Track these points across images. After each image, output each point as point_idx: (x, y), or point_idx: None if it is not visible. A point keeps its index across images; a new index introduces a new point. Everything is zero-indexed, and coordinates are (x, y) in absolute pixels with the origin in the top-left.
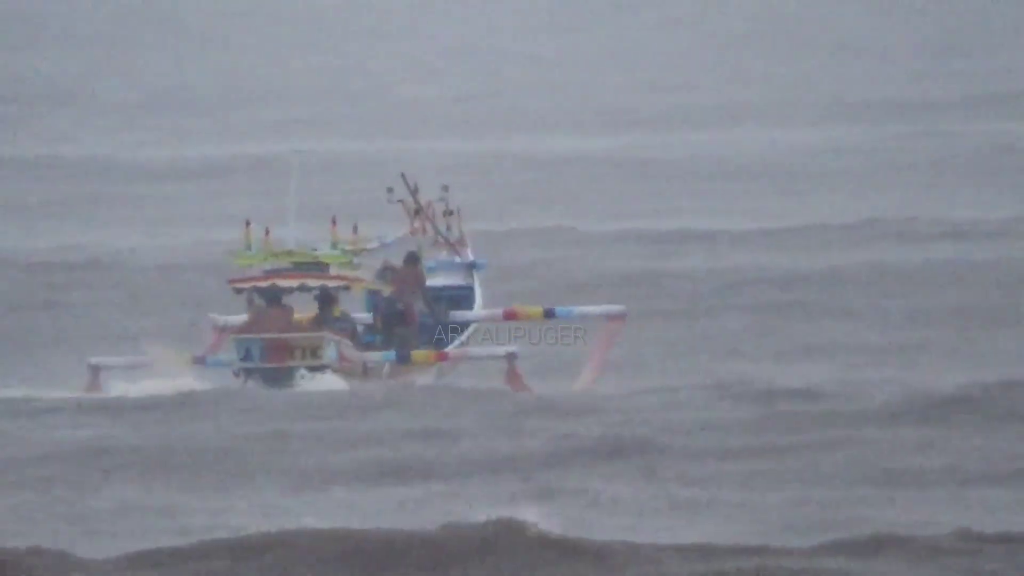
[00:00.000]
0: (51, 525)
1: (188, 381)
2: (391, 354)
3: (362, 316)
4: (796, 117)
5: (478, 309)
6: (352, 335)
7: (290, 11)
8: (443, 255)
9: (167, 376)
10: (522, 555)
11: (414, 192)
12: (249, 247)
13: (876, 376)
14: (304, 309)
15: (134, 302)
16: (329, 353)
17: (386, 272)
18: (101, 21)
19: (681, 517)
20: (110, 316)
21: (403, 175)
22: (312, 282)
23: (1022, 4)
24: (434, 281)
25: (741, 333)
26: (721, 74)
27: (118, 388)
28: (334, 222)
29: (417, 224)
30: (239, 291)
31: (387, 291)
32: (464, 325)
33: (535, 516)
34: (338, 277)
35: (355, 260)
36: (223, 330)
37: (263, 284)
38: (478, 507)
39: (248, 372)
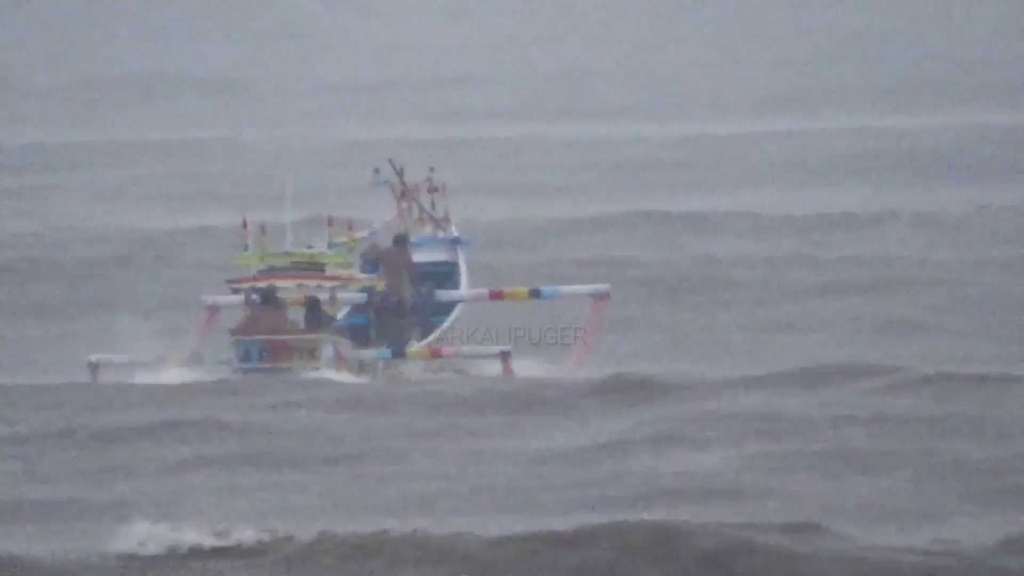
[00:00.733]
0: None
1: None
2: (387, 352)
3: (350, 296)
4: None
5: (464, 287)
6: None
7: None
8: (427, 231)
9: (166, 373)
10: None
11: (400, 173)
12: (246, 247)
13: None
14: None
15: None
16: (326, 353)
17: (372, 253)
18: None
19: None
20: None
21: (391, 159)
22: (309, 282)
23: None
24: (418, 257)
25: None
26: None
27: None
28: (330, 221)
29: (404, 205)
30: (236, 291)
31: (380, 286)
32: (450, 305)
33: None
34: (335, 277)
35: (351, 254)
36: (215, 309)
37: (261, 284)
38: None
39: (246, 372)
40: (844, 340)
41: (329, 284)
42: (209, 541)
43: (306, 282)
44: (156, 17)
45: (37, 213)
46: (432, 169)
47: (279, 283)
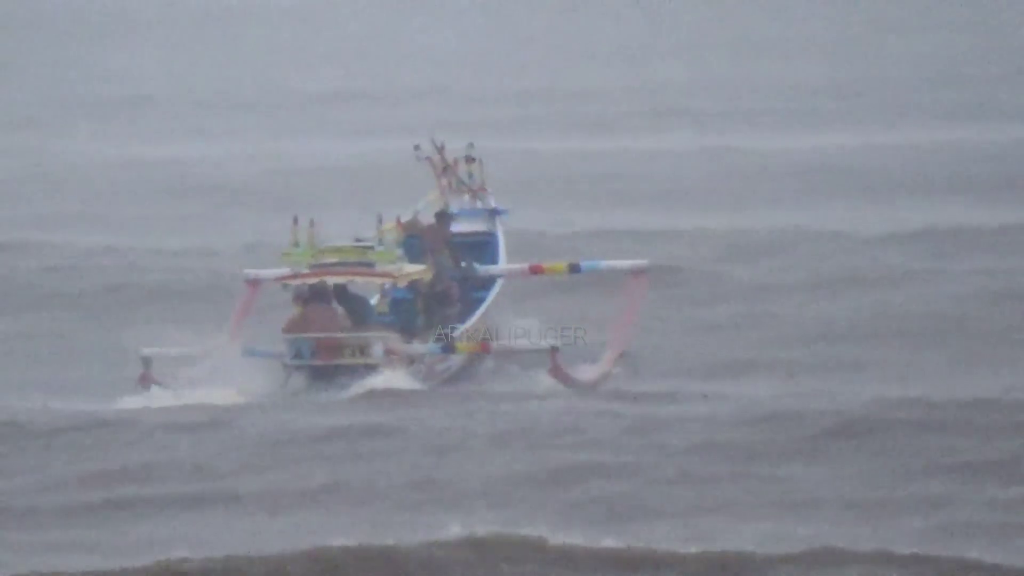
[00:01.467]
0: None
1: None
2: (436, 346)
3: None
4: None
5: (502, 258)
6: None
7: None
8: (464, 202)
9: (217, 366)
10: None
11: (441, 150)
12: (297, 244)
13: None
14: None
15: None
16: (376, 349)
17: (414, 228)
18: None
19: None
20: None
21: (432, 137)
22: (360, 278)
23: None
24: (456, 228)
25: None
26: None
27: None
28: (380, 219)
29: (444, 182)
30: (287, 288)
31: (427, 277)
32: (490, 281)
33: None
34: (385, 273)
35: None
36: (256, 283)
37: (312, 280)
38: None
39: (298, 369)
40: None
41: (380, 280)
42: None
43: (357, 278)
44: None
45: None
46: (471, 145)
47: (330, 279)
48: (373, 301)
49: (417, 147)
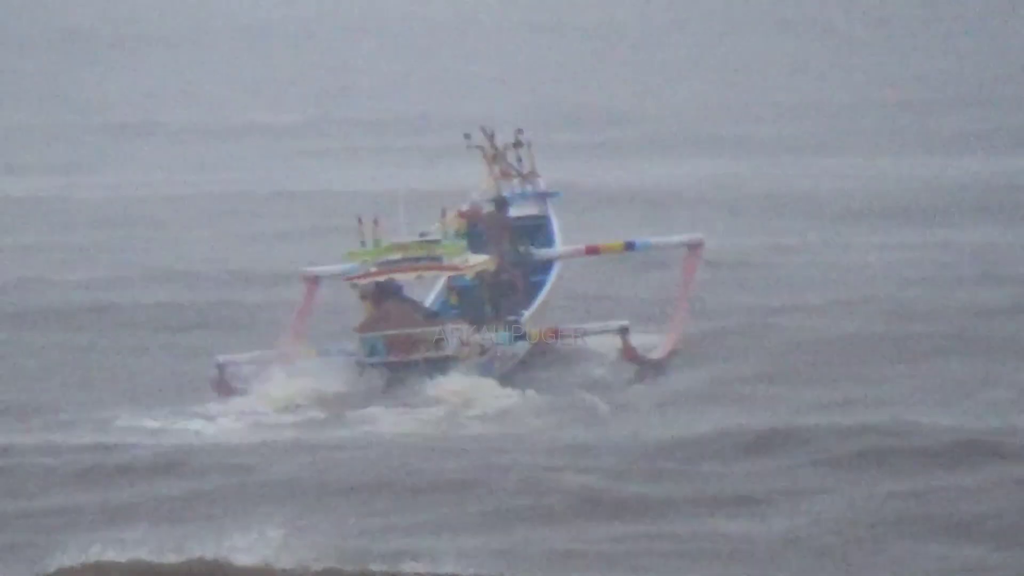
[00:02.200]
0: None
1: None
2: (507, 335)
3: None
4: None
5: (558, 242)
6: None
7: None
8: (515, 187)
9: (292, 369)
10: None
11: (491, 137)
12: (363, 243)
13: None
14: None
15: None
16: (450, 342)
17: (473, 216)
18: None
19: None
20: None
21: (482, 126)
22: (427, 273)
23: None
24: (510, 212)
25: None
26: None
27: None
28: (443, 213)
29: (496, 169)
30: (355, 287)
31: (492, 267)
32: (549, 264)
33: None
34: (451, 267)
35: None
36: (315, 280)
37: (380, 279)
38: None
39: (373, 367)
40: None
41: (447, 273)
42: None
43: (425, 273)
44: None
45: None
46: (520, 131)
47: (398, 276)
48: (428, 301)
49: (467, 136)
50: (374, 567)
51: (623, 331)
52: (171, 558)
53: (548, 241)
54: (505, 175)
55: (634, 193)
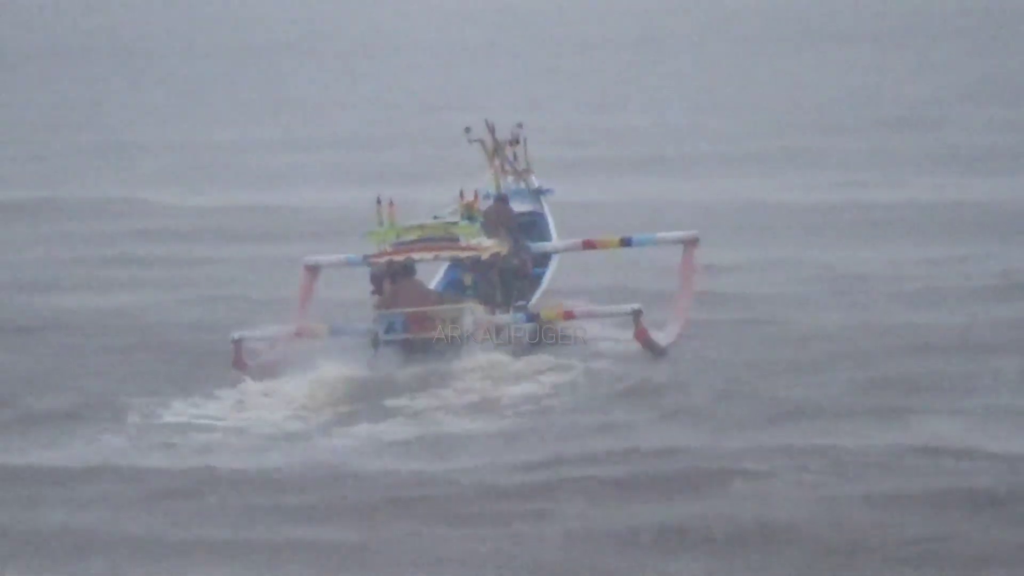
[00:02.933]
0: None
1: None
2: (522, 316)
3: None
4: None
5: (554, 237)
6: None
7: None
8: (510, 183)
9: (306, 347)
10: None
11: (492, 131)
12: (381, 223)
13: None
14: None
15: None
16: (467, 321)
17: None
18: None
19: None
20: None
21: (486, 120)
22: (445, 254)
23: None
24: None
25: None
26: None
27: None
28: (462, 194)
29: (496, 162)
30: (373, 266)
31: (504, 251)
32: (546, 258)
33: None
34: (470, 247)
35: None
36: (315, 269)
37: (399, 258)
38: None
39: (390, 344)
40: None
41: (465, 254)
42: None
43: (442, 253)
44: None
45: None
46: (520, 125)
47: (416, 255)
48: (432, 284)
49: (468, 129)
50: None
51: (636, 314)
52: None
53: (543, 236)
54: (504, 171)
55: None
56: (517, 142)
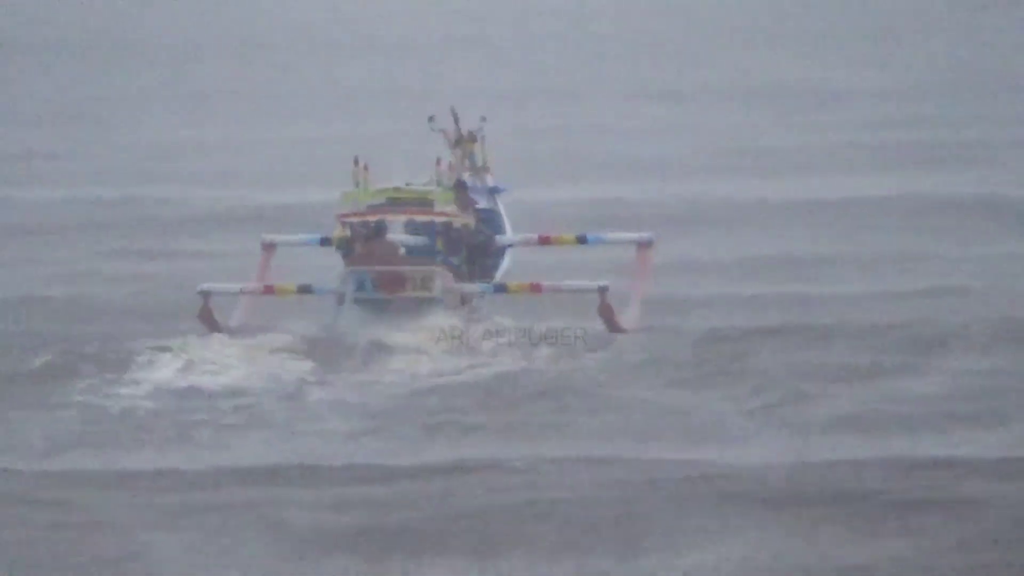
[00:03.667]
0: None
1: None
2: (489, 286)
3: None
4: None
5: (508, 232)
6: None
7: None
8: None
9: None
10: None
11: (456, 121)
12: (357, 184)
13: None
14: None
15: None
16: (437, 284)
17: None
18: None
19: None
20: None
21: (452, 108)
22: (419, 217)
23: None
24: None
25: None
26: None
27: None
28: (439, 161)
29: (458, 152)
30: (346, 225)
31: (471, 225)
32: (501, 250)
33: None
34: (443, 213)
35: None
36: (271, 246)
37: (371, 219)
38: None
39: (357, 302)
40: None
41: (439, 219)
42: None
43: (416, 217)
44: None
45: None
46: (483, 119)
47: (390, 217)
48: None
49: (431, 118)
50: None
51: (603, 290)
52: None
53: (498, 231)
54: (463, 165)
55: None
56: (475, 140)
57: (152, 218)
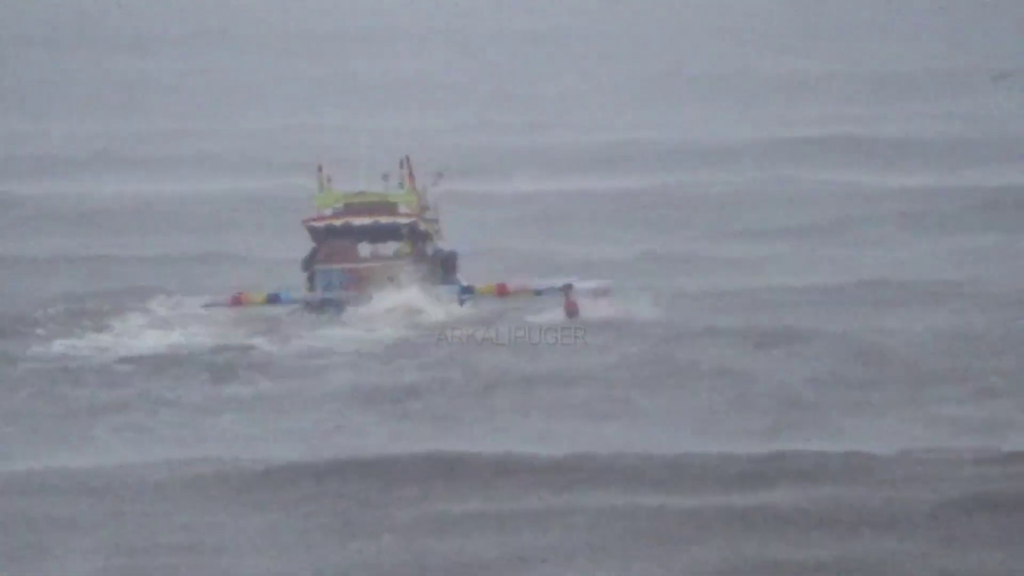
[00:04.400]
0: None
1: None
2: (456, 287)
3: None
4: None
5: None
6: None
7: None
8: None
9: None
10: None
11: (409, 169)
12: (322, 189)
13: None
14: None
15: None
16: (403, 281)
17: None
18: None
19: None
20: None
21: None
22: (384, 219)
23: None
24: None
25: None
26: None
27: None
28: (401, 164)
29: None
30: (313, 229)
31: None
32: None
33: None
34: (406, 215)
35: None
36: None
37: (337, 223)
38: None
39: (324, 302)
40: None
41: (402, 220)
42: None
43: (381, 219)
44: None
45: None
46: (440, 173)
47: (355, 221)
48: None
49: (386, 177)
50: None
51: (567, 288)
52: None
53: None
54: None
55: None
56: (428, 208)
57: None
